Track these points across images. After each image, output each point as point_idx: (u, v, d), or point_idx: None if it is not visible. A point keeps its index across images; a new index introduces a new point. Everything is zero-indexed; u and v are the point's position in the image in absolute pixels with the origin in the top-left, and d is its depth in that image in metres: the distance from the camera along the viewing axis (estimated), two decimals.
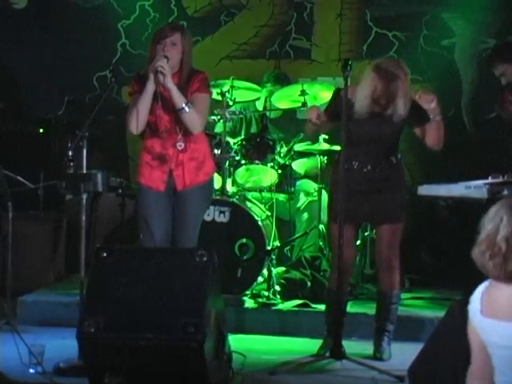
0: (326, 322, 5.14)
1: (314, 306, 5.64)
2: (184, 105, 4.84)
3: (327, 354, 4.82)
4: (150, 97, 4.86)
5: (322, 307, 5.35)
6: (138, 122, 4.88)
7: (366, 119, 4.88)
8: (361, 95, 4.86)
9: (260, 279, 5.91)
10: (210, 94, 5.12)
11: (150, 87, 4.85)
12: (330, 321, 5.08)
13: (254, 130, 6.58)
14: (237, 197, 6.07)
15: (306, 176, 6.52)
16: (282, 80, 6.70)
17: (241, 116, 6.48)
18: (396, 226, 5.02)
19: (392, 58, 5.02)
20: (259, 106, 6.64)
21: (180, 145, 4.93)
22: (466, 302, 3.00)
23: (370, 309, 5.36)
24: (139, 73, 5.06)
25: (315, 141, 6.25)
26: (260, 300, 5.85)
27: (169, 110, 4.92)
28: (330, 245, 5.54)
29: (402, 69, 4.87)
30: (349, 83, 4.79)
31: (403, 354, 4.79)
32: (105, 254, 4.21)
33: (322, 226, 6.08)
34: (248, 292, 5.89)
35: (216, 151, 6.00)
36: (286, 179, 6.16)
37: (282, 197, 6.25)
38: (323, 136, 6.18)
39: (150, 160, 5.00)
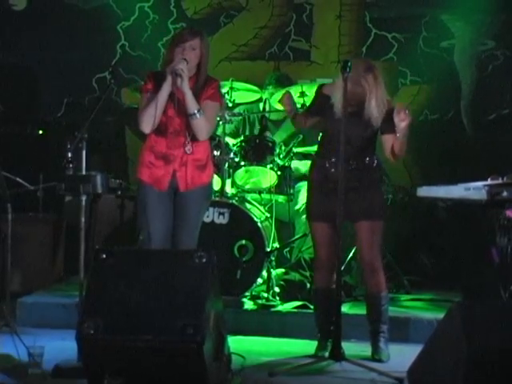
0: (316, 322, 5.15)
1: (313, 307, 5.63)
2: (196, 111, 4.89)
3: (326, 356, 4.82)
4: (165, 98, 4.91)
5: None
6: (150, 121, 4.91)
7: (340, 119, 4.85)
8: (336, 97, 4.88)
9: (259, 281, 5.90)
10: (221, 103, 5.22)
11: (167, 88, 4.89)
12: (320, 321, 5.10)
13: (257, 131, 6.56)
14: (236, 198, 6.07)
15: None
16: (284, 81, 6.68)
17: (240, 117, 6.48)
18: (374, 223, 4.97)
19: (363, 59, 5.00)
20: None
21: (189, 149, 4.97)
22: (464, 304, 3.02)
23: None
24: (153, 71, 5.11)
25: (313, 143, 6.25)
26: (259, 301, 5.84)
27: (180, 113, 4.96)
28: None
29: (372, 71, 4.87)
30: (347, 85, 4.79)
31: (402, 356, 4.78)
32: (104, 256, 4.20)
33: None
34: (247, 293, 5.88)
35: (215, 153, 5.99)
36: (286, 181, 6.15)
37: (281, 198, 6.25)
38: None
39: (154, 159, 5.02)
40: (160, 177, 4.99)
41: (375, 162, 5.03)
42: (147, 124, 4.92)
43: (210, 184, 5.19)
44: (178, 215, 5.02)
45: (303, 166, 6.37)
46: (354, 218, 5.01)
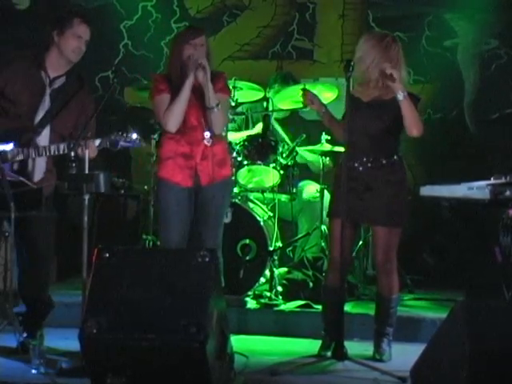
0: (323, 320, 5.14)
1: (316, 306, 5.64)
2: (215, 105, 4.96)
3: (329, 355, 4.82)
4: (189, 93, 4.97)
5: None
6: (177, 119, 4.98)
7: (362, 111, 4.81)
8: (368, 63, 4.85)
9: (262, 280, 5.91)
10: (230, 94, 5.31)
11: (190, 83, 4.95)
12: (327, 319, 5.08)
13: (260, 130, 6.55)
14: (239, 197, 6.07)
15: (309, 177, 6.52)
16: (289, 80, 6.67)
17: (242, 116, 6.48)
18: (393, 230, 4.93)
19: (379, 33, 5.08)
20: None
21: (208, 140, 5.03)
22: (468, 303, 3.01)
23: (371, 310, 5.34)
24: (160, 74, 5.25)
25: (317, 142, 6.25)
26: (262, 301, 5.85)
27: (197, 108, 5.03)
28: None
29: (397, 42, 4.98)
30: (351, 84, 4.77)
31: (405, 355, 4.78)
32: (107, 255, 4.21)
33: (324, 227, 6.08)
34: (250, 293, 5.89)
35: None
36: (288, 180, 6.16)
37: (284, 197, 6.25)
38: (325, 137, 6.19)
39: (175, 156, 5.07)
40: (183, 173, 5.04)
41: (400, 159, 4.96)
42: (174, 123, 4.99)
43: (231, 177, 5.30)
44: (200, 211, 5.07)
45: (309, 153, 6.37)
46: (373, 222, 4.98)
